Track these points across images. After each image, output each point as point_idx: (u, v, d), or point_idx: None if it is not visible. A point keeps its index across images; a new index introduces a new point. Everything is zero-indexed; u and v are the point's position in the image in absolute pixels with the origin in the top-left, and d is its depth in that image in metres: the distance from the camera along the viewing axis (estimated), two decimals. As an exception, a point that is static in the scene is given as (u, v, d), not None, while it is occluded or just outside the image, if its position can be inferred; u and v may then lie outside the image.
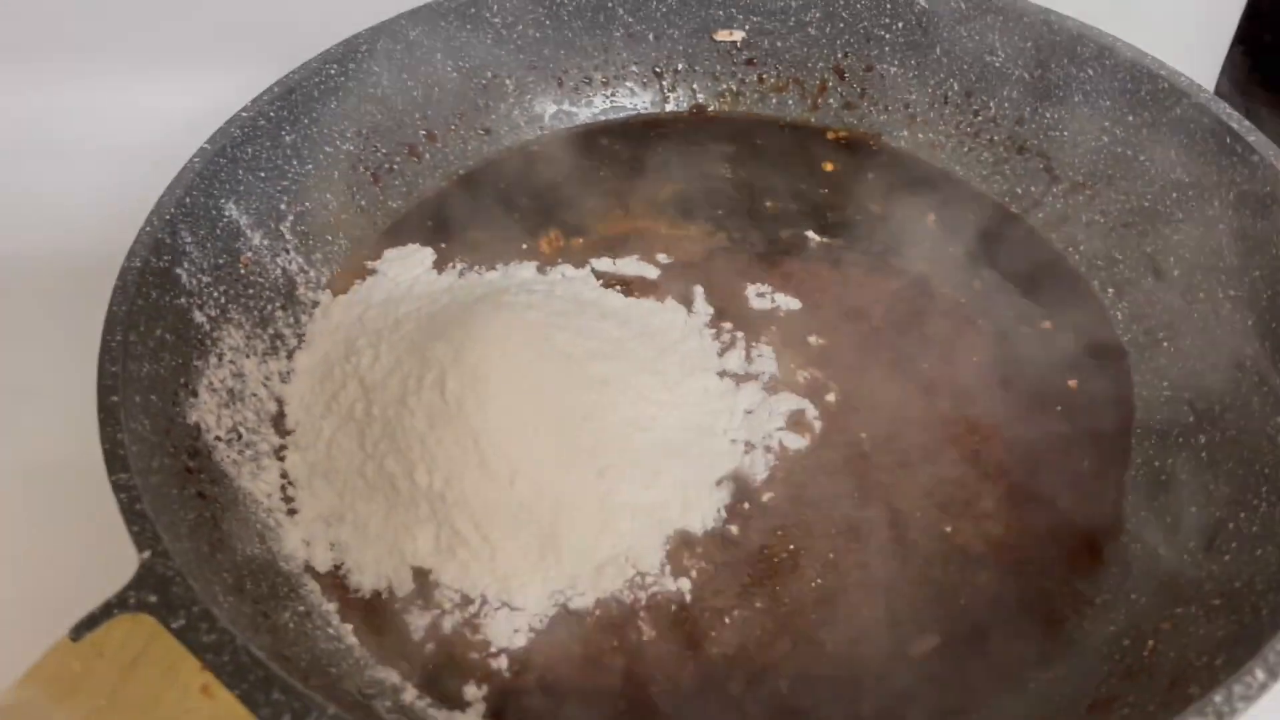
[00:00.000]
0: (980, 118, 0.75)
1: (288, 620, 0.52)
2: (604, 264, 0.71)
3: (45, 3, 0.82)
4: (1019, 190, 0.74)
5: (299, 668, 0.49)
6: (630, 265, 0.71)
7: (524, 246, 0.72)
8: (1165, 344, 0.64)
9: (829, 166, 0.78)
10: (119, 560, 0.46)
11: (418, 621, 0.55)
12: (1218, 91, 0.89)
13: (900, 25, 0.76)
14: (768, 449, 0.61)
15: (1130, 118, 0.68)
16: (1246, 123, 0.62)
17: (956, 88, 0.76)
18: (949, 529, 0.58)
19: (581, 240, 0.73)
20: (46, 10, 0.82)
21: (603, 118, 0.81)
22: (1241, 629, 0.47)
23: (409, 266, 0.71)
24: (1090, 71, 0.69)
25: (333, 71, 0.70)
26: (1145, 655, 0.51)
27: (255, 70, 0.73)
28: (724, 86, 0.82)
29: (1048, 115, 0.72)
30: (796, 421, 0.62)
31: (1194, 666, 0.48)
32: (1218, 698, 0.40)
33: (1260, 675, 0.41)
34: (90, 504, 0.51)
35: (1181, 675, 0.48)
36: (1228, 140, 0.62)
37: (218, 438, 0.58)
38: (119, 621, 0.42)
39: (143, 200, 0.61)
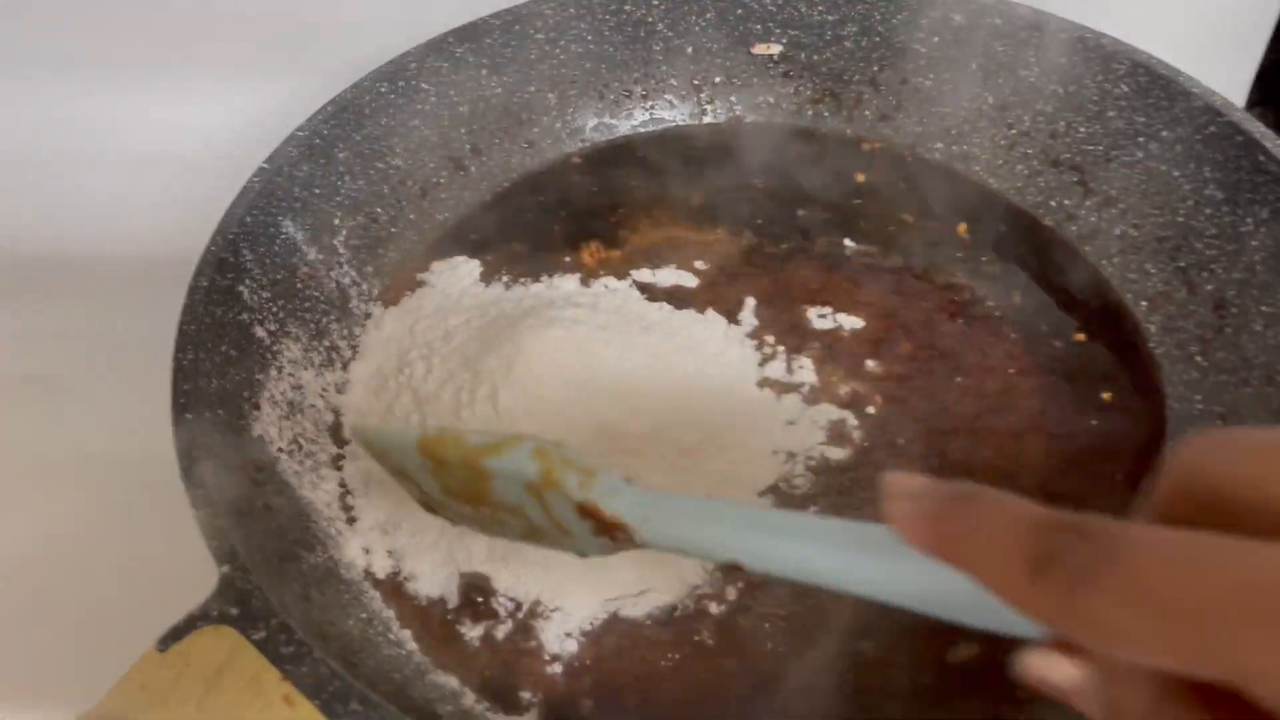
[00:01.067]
0: (1014, 131, 0.77)
1: (352, 627, 0.55)
2: (644, 274, 0.73)
3: (111, 16, 0.84)
4: (1053, 203, 0.75)
5: (365, 675, 0.51)
6: (669, 275, 0.73)
7: (566, 259, 0.74)
8: (1198, 358, 0.66)
9: (860, 177, 0.79)
10: (198, 568, 0.48)
11: (472, 629, 0.57)
12: (1249, 107, 0.90)
13: (936, 40, 0.77)
14: (809, 460, 0.63)
15: (1164, 133, 0.69)
16: (1279, 140, 0.63)
17: (991, 101, 0.77)
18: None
19: (620, 252, 0.75)
20: (111, 23, 0.84)
21: (642, 130, 0.83)
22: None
23: (457, 278, 0.73)
24: (1125, 87, 0.71)
25: (383, 89, 0.72)
26: (1179, 666, 0.53)
27: (303, 82, 0.76)
28: (760, 99, 0.83)
29: (1082, 130, 0.74)
30: (837, 433, 0.64)
31: (1227, 678, 0.49)
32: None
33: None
34: (168, 511, 0.53)
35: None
36: (1260, 158, 0.64)
37: (280, 449, 0.61)
38: (203, 633, 0.45)
39: (200, 206, 0.63)
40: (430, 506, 0.52)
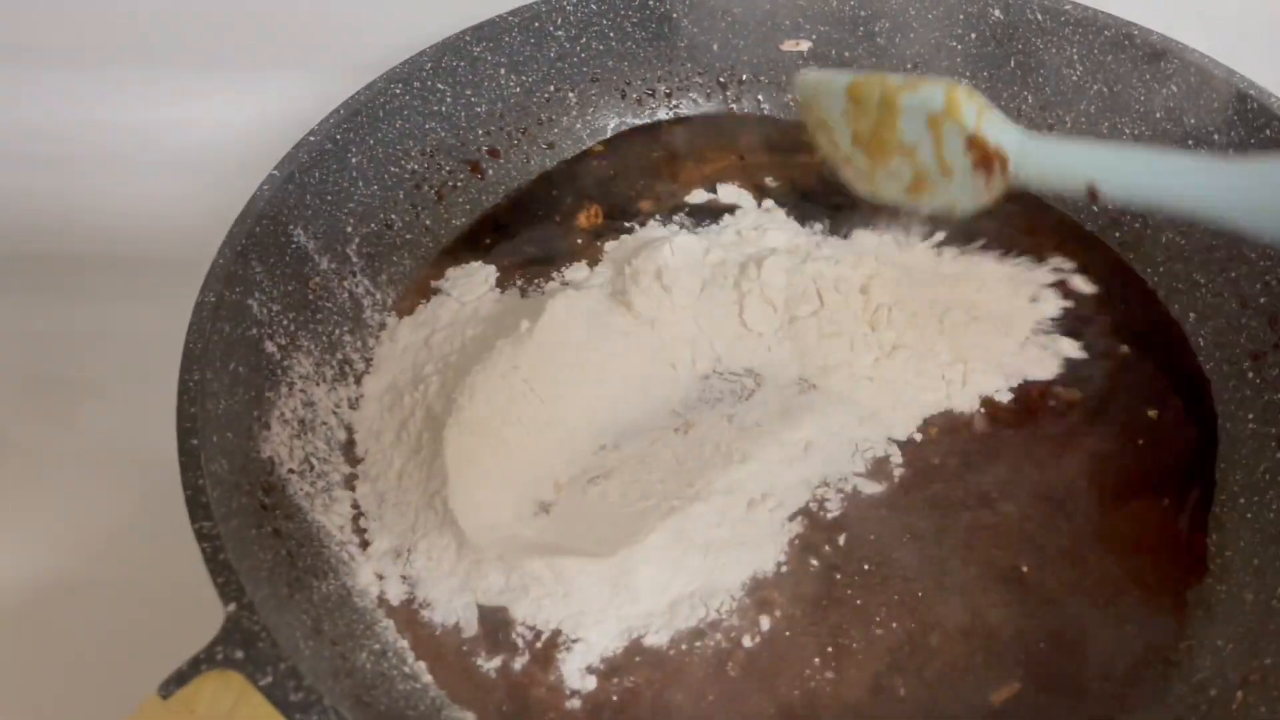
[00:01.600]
0: (1055, 131, 0.73)
1: (365, 661, 0.52)
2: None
3: (123, 18, 0.82)
4: (1095, 208, 0.72)
5: (379, 712, 0.49)
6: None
7: (573, 239, 0.73)
8: (1250, 375, 0.62)
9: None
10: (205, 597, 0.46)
11: (489, 660, 0.55)
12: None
13: (973, 36, 0.74)
14: (840, 489, 0.60)
15: (1216, 138, 0.66)
16: (1339, 147, 0.60)
17: (1031, 101, 0.74)
18: (1025, 569, 0.57)
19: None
20: (123, 25, 0.83)
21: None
22: None
23: (472, 285, 0.71)
24: (1174, 88, 0.67)
25: (398, 91, 0.69)
26: (1233, 709, 0.50)
27: (318, 81, 0.73)
28: (790, 97, 0.80)
29: (1127, 131, 0.70)
30: (873, 462, 0.61)
31: (1287, 727, 0.47)
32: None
33: None
34: (180, 522, 0.51)
35: None
36: (1321, 166, 0.60)
37: (290, 470, 0.58)
38: (207, 678, 0.43)
39: (219, 207, 0.62)
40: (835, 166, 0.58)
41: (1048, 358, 0.65)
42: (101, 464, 0.70)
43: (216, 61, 0.83)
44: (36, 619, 0.62)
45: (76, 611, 0.61)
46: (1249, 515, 0.58)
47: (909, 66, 0.77)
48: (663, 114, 0.80)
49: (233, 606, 0.45)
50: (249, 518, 0.53)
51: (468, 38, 0.72)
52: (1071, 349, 0.65)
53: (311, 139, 0.65)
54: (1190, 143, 0.67)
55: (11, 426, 0.77)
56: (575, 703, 0.53)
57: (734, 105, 0.80)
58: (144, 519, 0.64)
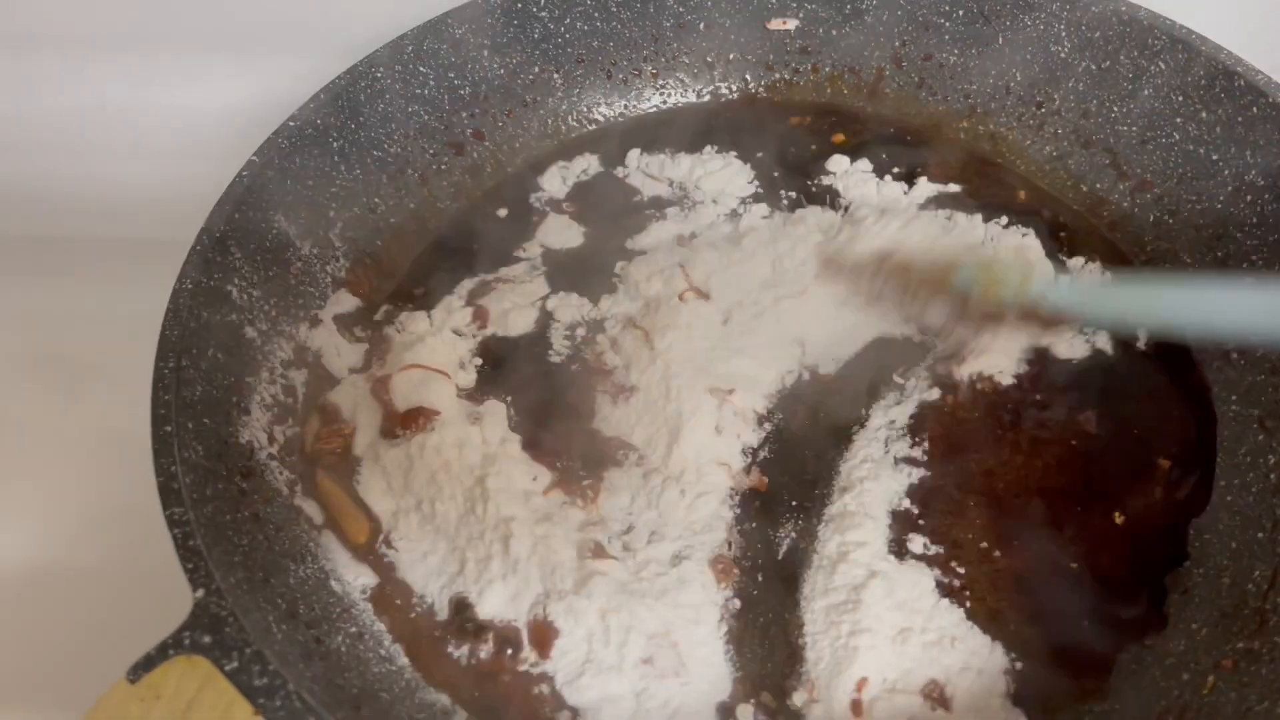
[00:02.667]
0: (1044, 110, 0.73)
1: (340, 644, 0.53)
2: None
3: (109, 6, 0.83)
4: (1083, 186, 0.71)
5: (351, 695, 0.50)
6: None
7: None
8: (1234, 355, 0.62)
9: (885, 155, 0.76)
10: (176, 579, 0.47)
11: (460, 647, 0.55)
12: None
13: (961, 13, 0.73)
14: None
15: (1203, 114, 0.65)
16: (1328, 126, 0.59)
17: (1019, 78, 0.73)
18: (997, 554, 0.57)
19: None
20: (105, 10, 0.83)
21: (652, 110, 0.80)
22: None
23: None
24: (1162, 65, 0.66)
25: (379, 74, 0.69)
26: (1205, 694, 0.50)
27: (307, 64, 0.73)
28: (777, 76, 0.79)
29: (1115, 109, 0.69)
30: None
31: (1254, 712, 0.46)
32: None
33: None
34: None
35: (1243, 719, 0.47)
36: (1307, 144, 0.59)
37: (270, 455, 0.59)
38: (174, 663, 0.43)
39: (211, 189, 0.61)
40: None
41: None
42: (97, 444, 0.71)
43: (200, 47, 0.83)
44: (16, 600, 0.63)
45: (58, 593, 0.63)
46: (1229, 498, 0.58)
47: (897, 45, 0.76)
48: (650, 95, 0.80)
49: (201, 592, 0.45)
50: (225, 503, 0.53)
51: (450, 20, 0.71)
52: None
53: (292, 124, 0.65)
54: (1178, 119, 0.66)
55: (11, 405, 0.78)
56: (544, 688, 0.54)
57: (721, 84, 0.80)
58: (132, 501, 0.64)
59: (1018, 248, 0.66)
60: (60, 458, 0.72)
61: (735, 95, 0.80)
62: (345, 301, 0.68)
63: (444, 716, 0.53)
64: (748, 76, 0.80)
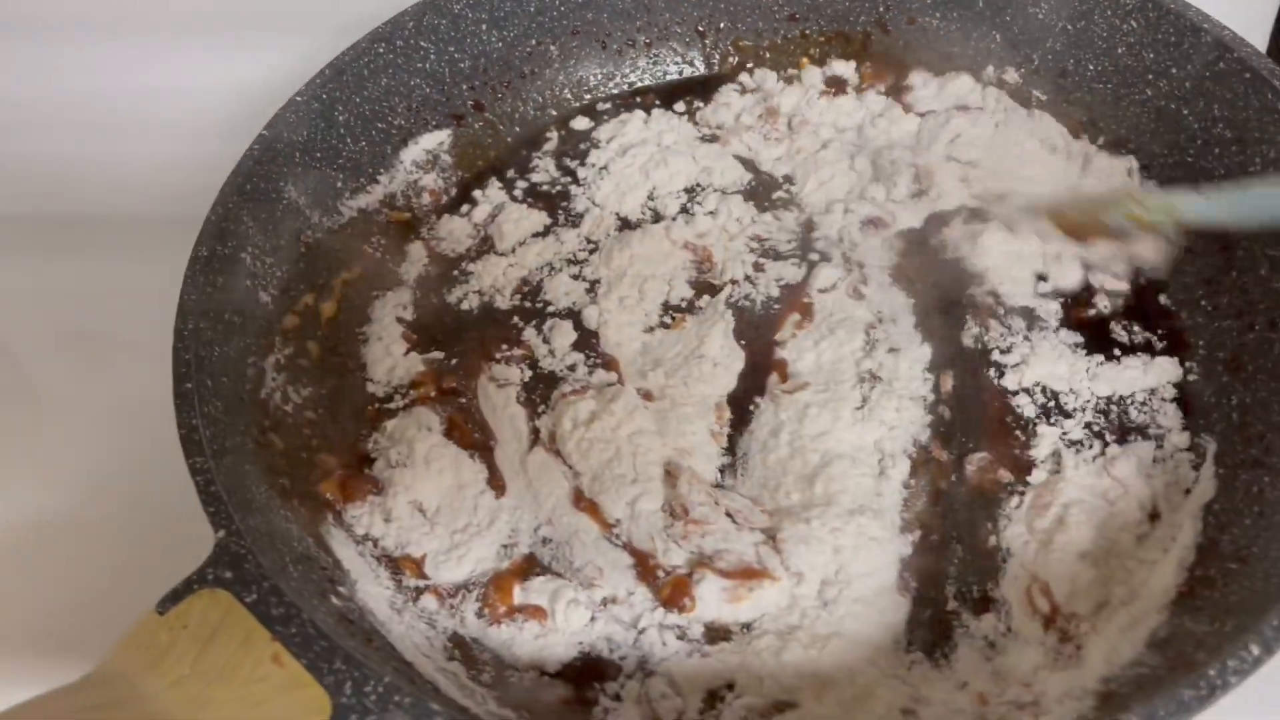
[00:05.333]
0: (1024, 70, 0.75)
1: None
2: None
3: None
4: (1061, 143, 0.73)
5: (362, 629, 0.54)
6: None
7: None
8: (1203, 303, 0.64)
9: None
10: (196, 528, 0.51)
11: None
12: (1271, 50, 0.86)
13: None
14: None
15: (1174, 70, 0.67)
16: (1290, 79, 0.61)
17: (1000, 39, 0.75)
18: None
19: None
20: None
21: (647, 79, 0.82)
22: (1252, 596, 0.49)
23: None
24: (1134, 23, 0.68)
25: (381, 49, 0.72)
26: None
27: (312, 42, 0.77)
28: (767, 42, 0.82)
29: (1091, 68, 0.72)
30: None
31: (1202, 632, 0.49)
32: (1212, 671, 0.42)
33: (1255, 650, 0.43)
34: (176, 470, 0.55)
35: (1195, 642, 0.50)
36: (1269, 96, 0.61)
37: (285, 412, 0.63)
38: (199, 596, 0.47)
39: (216, 164, 0.65)
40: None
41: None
42: (122, 410, 0.75)
43: (210, 29, 0.87)
44: (54, 547, 0.67)
45: (91, 542, 0.67)
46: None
47: (881, 10, 0.78)
48: (644, 63, 0.82)
49: (221, 533, 0.49)
50: (245, 454, 0.57)
51: (449, -5, 0.74)
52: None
53: (299, 99, 0.68)
54: (1150, 76, 0.68)
55: (41, 376, 0.82)
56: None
57: (713, 51, 0.82)
58: (155, 460, 0.69)
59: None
60: (89, 424, 0.76)
61: (728, 63, 0.83)
62: (355, 268, 0.72)
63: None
64: (740, 43, 0.82)
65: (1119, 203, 0.63)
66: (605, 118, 0.80)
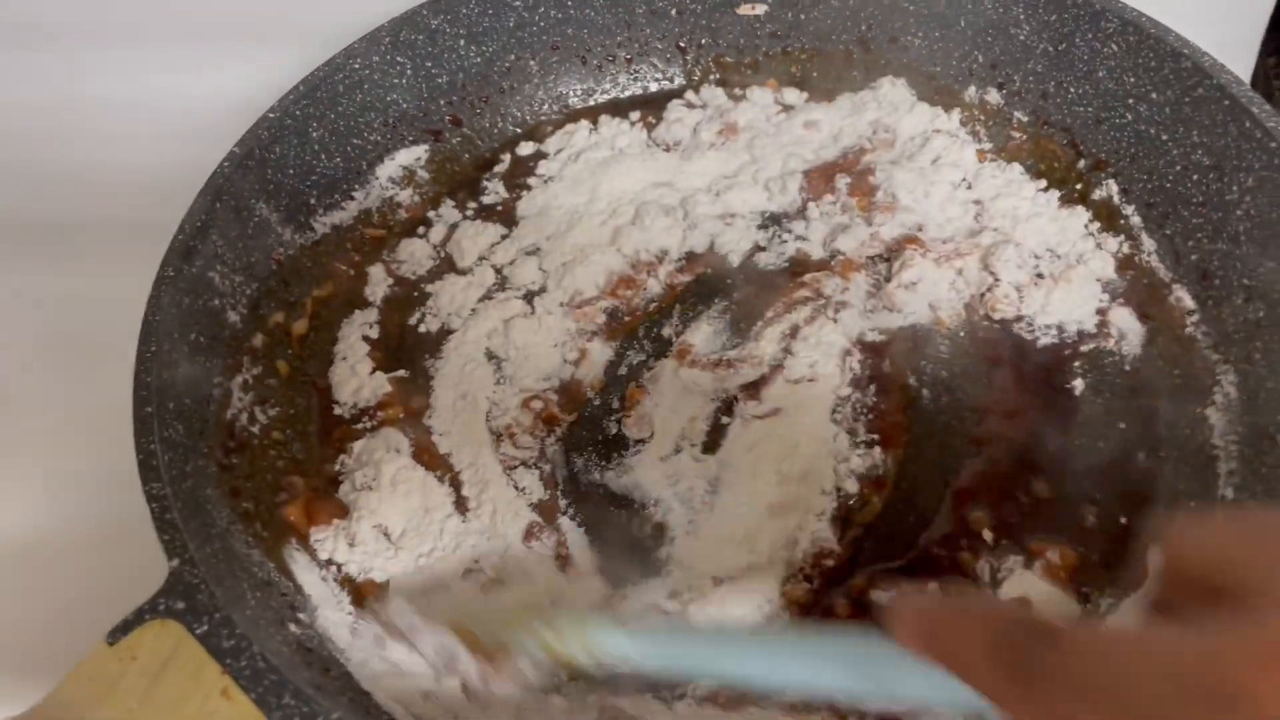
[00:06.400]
0: (1005, 91, 0.74)
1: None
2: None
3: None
4: (1041, 166, 0.73)
5: (320, 657, 0.53)
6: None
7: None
8: (1181, 331, 0.64)
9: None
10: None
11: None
12: (1264, 57, 0.85)
13: (926, -9, 0.75)
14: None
15: (1154, 95, 0.66)
16: (1268, 107, 0.60)
17: (981, 60, 0.75)
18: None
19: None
20: (94, 6, 0.86)
21: (626, 95, 0.82)
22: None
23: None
24: (1115, 47, 0.68)
25: (356, 65, 0.72)
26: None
27: (288, 53, 0.76)
28: (748, 59, 0.81)
29: (1072, 91, 0.71)
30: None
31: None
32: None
33: None
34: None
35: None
36: (1247, 124, 0.61)
37: (252, 434, 0.62)
38: (150, 627, 0.47)
39: (193, 171, 0.65)
40: None
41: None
42: (95, 420, 0.74)
43: (188, 38, 0.87)
44: (19, 560, 0.67)
45: (45, 562, 0.66)
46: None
47: (863, 29, 0.78)
48: (624, 80, 0.82)
49: (175, 562, 0.49)
50: (205, 479, 0.57)
51: (425, 11, 0.74)
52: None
53: (271, 115, 0.68)
54: (1130, 100, 0.68)
55: (12, 384, 0.82)
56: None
57: (694, 68, 0.82)
58: (122, 474, 0.68)
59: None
60: (56, 434, 0.75)
61: (708, 80, 0.82)
62: (327, 286, 0.71)
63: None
64: (720, 60, 0.82)
65: (526, 625, 0.50)
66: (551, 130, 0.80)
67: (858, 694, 0.37)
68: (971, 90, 0.75)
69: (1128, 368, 0.64)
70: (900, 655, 0.33)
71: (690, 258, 0.72)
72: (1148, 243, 0.67)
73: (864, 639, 0.37)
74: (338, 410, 0.66)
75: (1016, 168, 0.72)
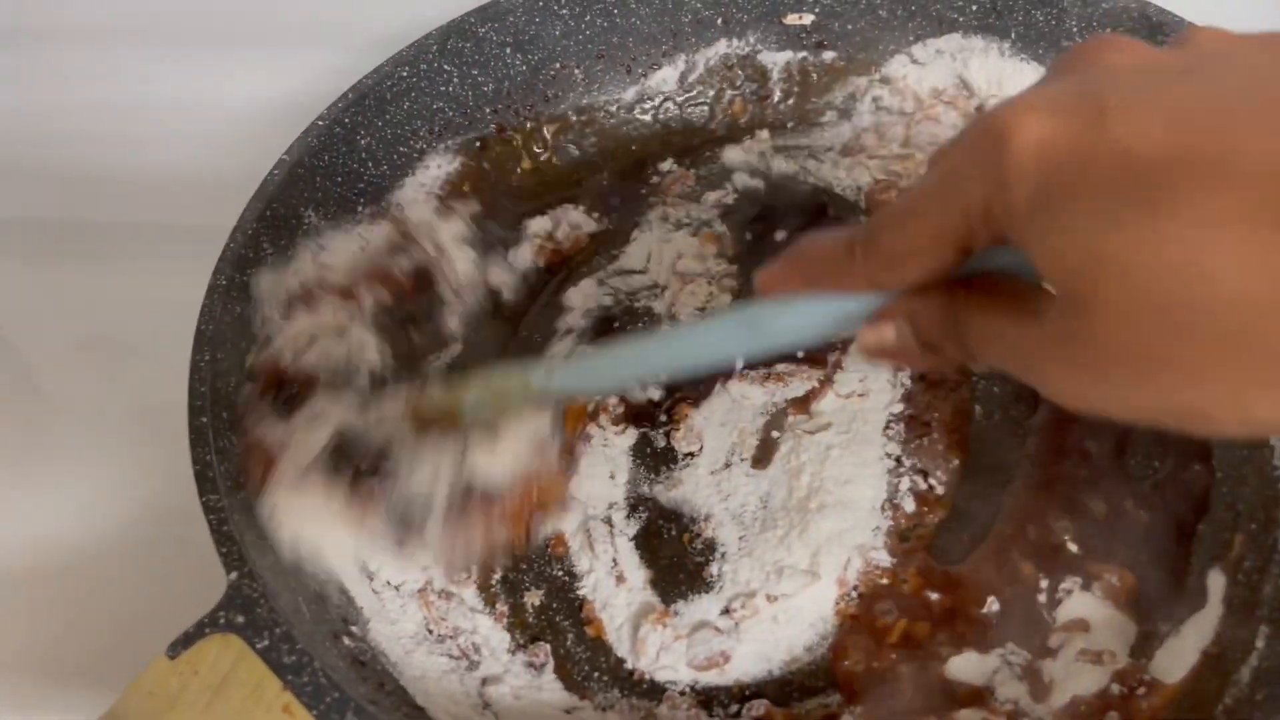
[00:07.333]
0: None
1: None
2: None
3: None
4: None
5: (375, 671, 0.53)
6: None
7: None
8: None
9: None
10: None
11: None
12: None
13: (974, 8, 0.74)
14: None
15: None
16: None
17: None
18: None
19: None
20: (144, 10, 0.86)
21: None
22: None
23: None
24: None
25: (404, 73, 0.72)
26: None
27: (336, 60, 0.76)
28: (794, 72, 0.81)
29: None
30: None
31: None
32: None
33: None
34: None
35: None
36: None
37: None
38: (210, 641, 0.46)
39: (239, 176, 0.65)
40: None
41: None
42: (139, 422, 0.75)
43: (235, 43, 0.87)
44: (61, 576, 0.67)
45: (101, 569, 0.66)
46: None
47: (910, 40, 0.77)
48: (670, 88, 0.81)
49: (234, 575, 0.48)
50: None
51: (473, 19, 0.74)
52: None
53: (320, 123, 0.68)
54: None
55: (58, 385, 0.82)
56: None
57: (740, 77, 0.81)
58: (173, 479, 0.68)
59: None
60: (107, 436, 0.75)
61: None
62: (376, 292, 0.71)
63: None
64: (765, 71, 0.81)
65: (468, 388, 0.53)
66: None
67: (754, 351, 0.42)
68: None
69: (1183, 385, 0.63)
70: (772, 305, 0.39)
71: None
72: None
73: (744, 306, 0.41)
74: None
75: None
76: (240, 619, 0.47)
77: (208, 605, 0.48)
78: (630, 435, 0.65)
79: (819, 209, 0.73)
